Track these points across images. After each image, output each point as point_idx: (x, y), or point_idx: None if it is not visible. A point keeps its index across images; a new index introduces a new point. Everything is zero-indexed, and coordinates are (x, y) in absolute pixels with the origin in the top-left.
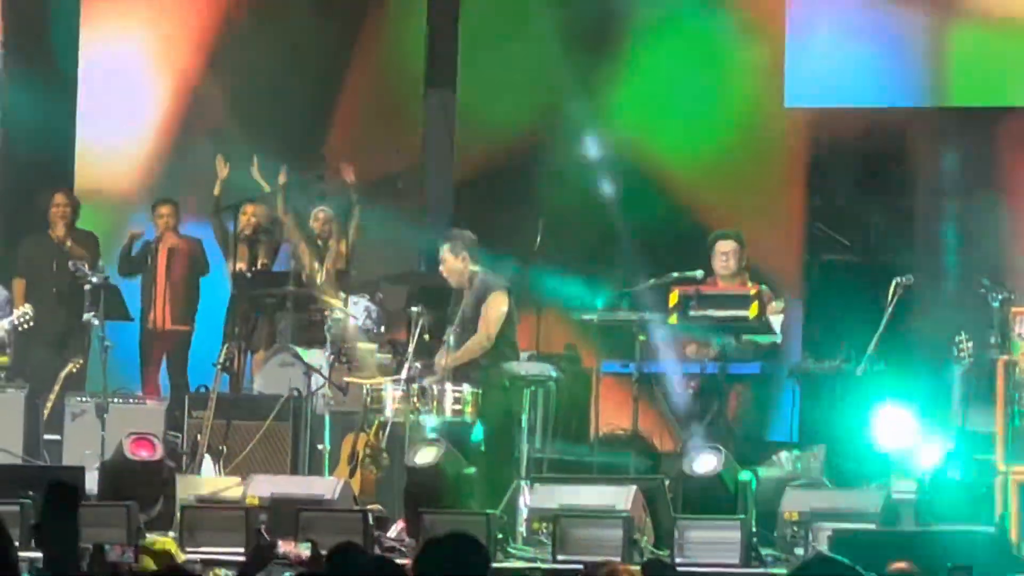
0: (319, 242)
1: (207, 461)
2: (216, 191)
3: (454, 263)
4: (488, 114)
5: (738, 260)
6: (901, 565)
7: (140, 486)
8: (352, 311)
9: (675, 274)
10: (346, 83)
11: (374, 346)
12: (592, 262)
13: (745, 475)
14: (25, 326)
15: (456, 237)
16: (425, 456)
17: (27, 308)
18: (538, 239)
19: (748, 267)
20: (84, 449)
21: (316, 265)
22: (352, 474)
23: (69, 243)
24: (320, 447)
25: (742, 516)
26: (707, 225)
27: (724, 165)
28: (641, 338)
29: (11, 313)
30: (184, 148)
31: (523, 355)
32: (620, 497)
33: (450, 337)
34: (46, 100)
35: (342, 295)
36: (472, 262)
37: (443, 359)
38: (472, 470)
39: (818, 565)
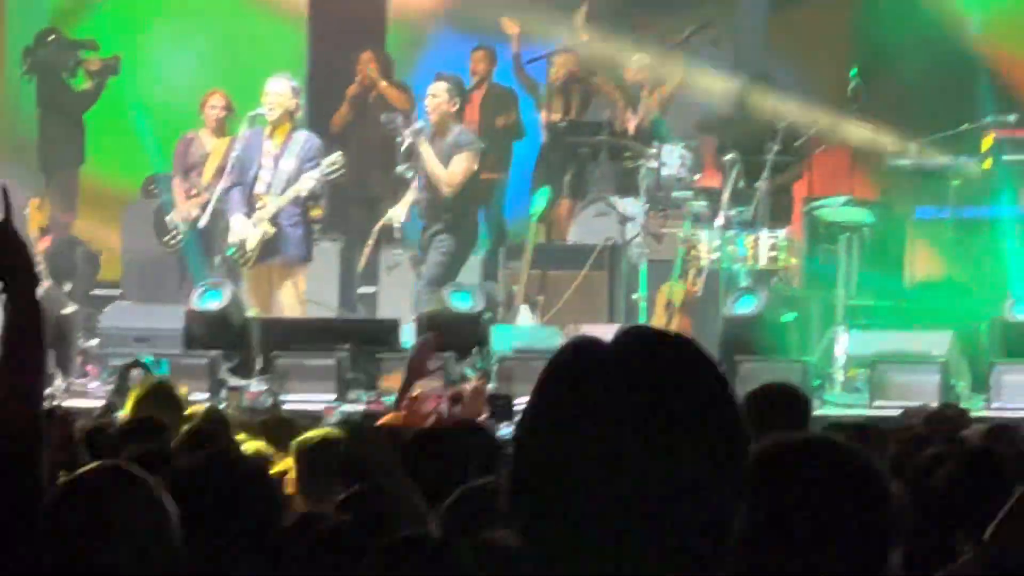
0: (633, 91)
1: (524, 310)
2: (515, 48)
3: (448, 105)
4: None
5: None
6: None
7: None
8: (666, 159)
9: (989, 118)
10: None
11: (689, 194)
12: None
13: None
14: (334, 175)
15: (454, 80)
16: (744, 306)
17: (336, 157)
18: (851, 85)
19: None
20: (399, 301)
21: (630, 114)
22: (668, 322)
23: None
24: (635, 296)
25: None
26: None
27: None
28: (955, 183)
29: (320, 164)
30: None
31: (840, 199)
32: (936, 343)
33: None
34: None
35: (656, 144)
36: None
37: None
38: (792, 316)
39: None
